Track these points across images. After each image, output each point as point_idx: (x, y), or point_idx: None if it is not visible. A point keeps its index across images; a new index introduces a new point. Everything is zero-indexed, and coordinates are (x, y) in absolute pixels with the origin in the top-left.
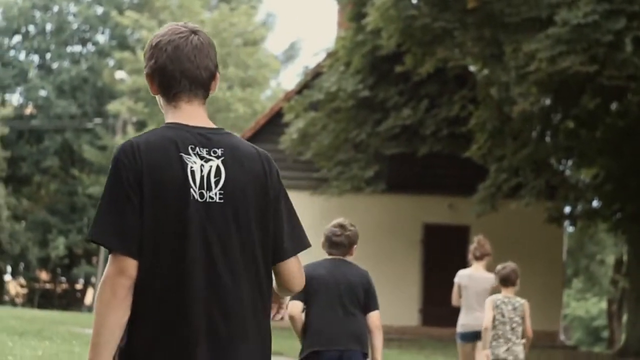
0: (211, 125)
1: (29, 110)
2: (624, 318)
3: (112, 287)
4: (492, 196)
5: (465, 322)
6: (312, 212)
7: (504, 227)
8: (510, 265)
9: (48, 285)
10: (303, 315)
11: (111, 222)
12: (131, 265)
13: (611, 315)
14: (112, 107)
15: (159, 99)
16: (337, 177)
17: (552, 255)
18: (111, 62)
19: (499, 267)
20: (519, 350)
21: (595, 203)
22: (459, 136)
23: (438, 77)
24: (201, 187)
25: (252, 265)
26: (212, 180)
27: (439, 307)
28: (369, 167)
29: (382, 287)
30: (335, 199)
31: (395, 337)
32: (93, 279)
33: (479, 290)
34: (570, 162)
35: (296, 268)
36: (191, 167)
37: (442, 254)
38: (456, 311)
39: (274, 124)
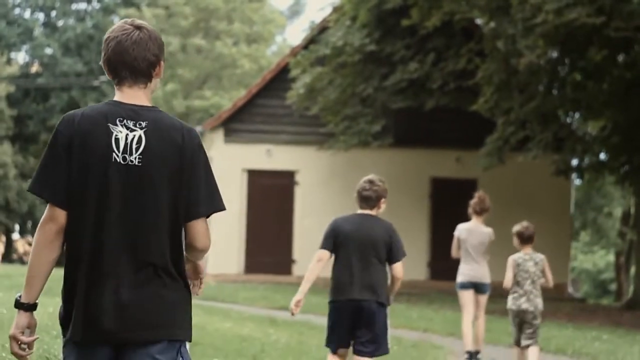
0: (146, 104)
1: (34, 68)
2: (632, 270)
3: (43, 231)
4: (500, 149)
5: (463, 271)
6: (319, 167)
7: (512, 180)
8: (531, 225)
9: None
10: (323, 265)
11: (46, 179)
12: (60, 214)
13: (619, 267)
14: None
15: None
16: (344, 132)
17: (560, 208)
18: (116, 20)
19: (519, 227)
20: (539, 301)
21: (602, 155)
22: (466, 89)
23: (444, 30)
24: (124, 152)
25: (160, 219)
26: (134, 147)
27: (447, 261)
28: (375, 121)
29: None
30: (342, 154)
31: (403, 291)
32: None
33: (476, 244)
34: (577, 115)
35: (202, 229)
36: (116, 136)
37: (450, 208)
38: None
39: (280, 79)
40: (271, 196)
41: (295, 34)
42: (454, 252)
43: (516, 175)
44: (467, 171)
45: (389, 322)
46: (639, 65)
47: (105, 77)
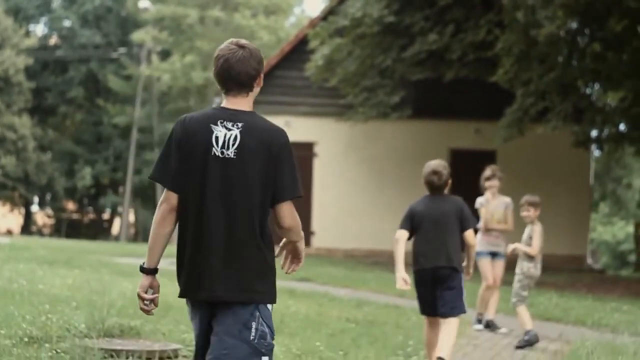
0: (246, 109)
1: (53, 40)
2: None
3: (159, 210)
4: (519, 120)
5: None
6: (338, 138)
7: (531, 152)
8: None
9: (75, 216)
10: (403, 243)
11: (162, 168)
12: (172, 196)
13: (638, 238)
14: (137, 36)
15: None
16: (362, 104)
17: (579, 180)
18: None
19: (538, 199)
20: None
21: (622, 126)
22: (485, 61)
23: (464, 1)
24: (222, 147)
25: (251, 201)
26: (231, 143)
27: None
28: (394, 93)
29: None
30: (361, 126)
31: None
32: (120, 209)
33: None
34: (597, 86)
35: (287, 211)
36: (216, 134)
37: (469, 180)
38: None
39: (299, 51)
40: None
41: (313, 5)
42: None
43: (535, 147)
44: (486, 143)
45: (463, 285)
46: None
47: (124, 50)
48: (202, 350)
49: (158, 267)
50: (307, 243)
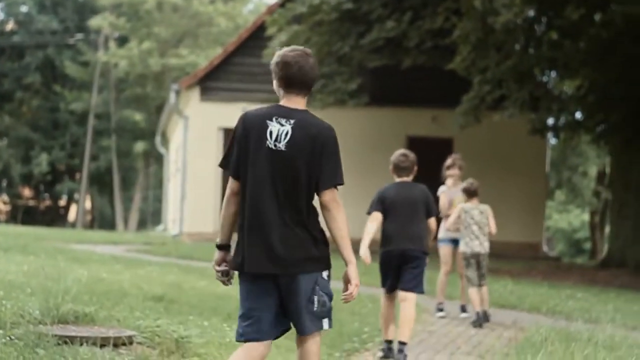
0: (301, 107)
1: (9, 26)
2: (607, 229)
3: (226, 194)
4: (476, 108)
5: None
6: None
7: (488, 139)
8: (475, 182)
9: (31, 202)
10: (378, 223)
11: (227, 158)
12: (234, 183)
13: (593, 226)
14: (94, 22)
15: (276, 87)
16: (320, 91)
17: (535, 167)
18: None
19: (465, 184)
20: (487, 245)
21: (578, 114)
22: (443, 48)
23: None
24: (275, 140)
25: (298, 188)
26: (283, 137)
27: None
28: (352, 80)
29: (365, 201)
30: (318, 113)
31: (376, 249)
32: (76, 195)
33: None
34: (553, 74)
35: (328, 197)
36: (270, 129)
37: (426, 167)
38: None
39: (256, 37)
40: None
41: None
42: None
43: (492, 134)
44: (443, 130)
45: (425, 268)
46: (616, 24)
47: (81, 36)
48: (252, 316)
49: (230, 243)
50: None
